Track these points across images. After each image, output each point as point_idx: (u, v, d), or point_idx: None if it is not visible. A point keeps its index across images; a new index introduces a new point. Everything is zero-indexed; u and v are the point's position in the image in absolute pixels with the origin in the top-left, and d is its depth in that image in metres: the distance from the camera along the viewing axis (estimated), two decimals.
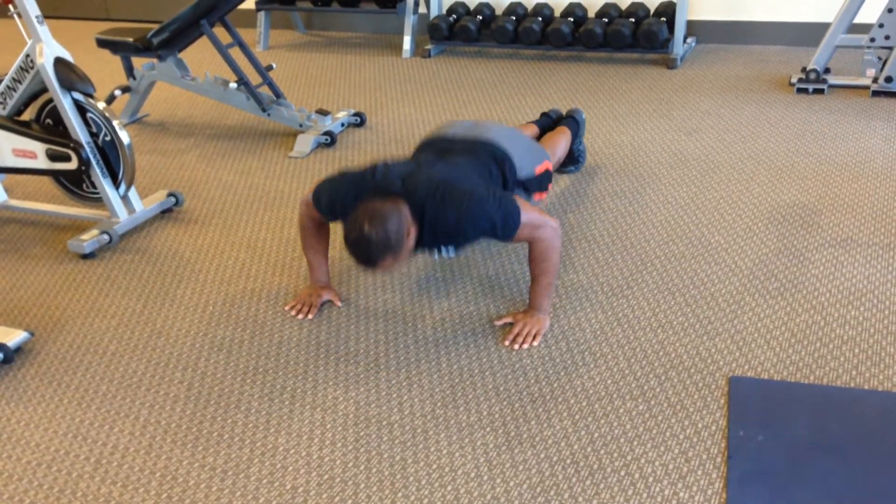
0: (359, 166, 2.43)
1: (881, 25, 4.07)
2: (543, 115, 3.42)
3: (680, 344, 2.32)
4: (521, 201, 2.34)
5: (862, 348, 2.25)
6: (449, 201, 2.25)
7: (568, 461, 1.91)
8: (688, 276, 2.66)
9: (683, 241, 2.87)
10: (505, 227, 2.28)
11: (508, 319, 2.44)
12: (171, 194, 3.29)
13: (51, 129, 3.02)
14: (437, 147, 2.65)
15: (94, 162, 2.95)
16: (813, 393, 2.09)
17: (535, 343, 2.34)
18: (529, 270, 2.41)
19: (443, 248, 2.44)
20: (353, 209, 2.21)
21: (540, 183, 2.83)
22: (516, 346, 2.34)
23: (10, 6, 2.89)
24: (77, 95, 2.92)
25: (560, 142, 3.22)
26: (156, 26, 3.94)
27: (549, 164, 2.90)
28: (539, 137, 3.30)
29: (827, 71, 4.34)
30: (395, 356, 2.34)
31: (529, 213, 2.32)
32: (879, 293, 2.50)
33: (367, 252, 2.15)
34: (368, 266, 2.20)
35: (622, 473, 1.87)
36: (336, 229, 2.77)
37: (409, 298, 2.62)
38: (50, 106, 3.02)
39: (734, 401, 2.07)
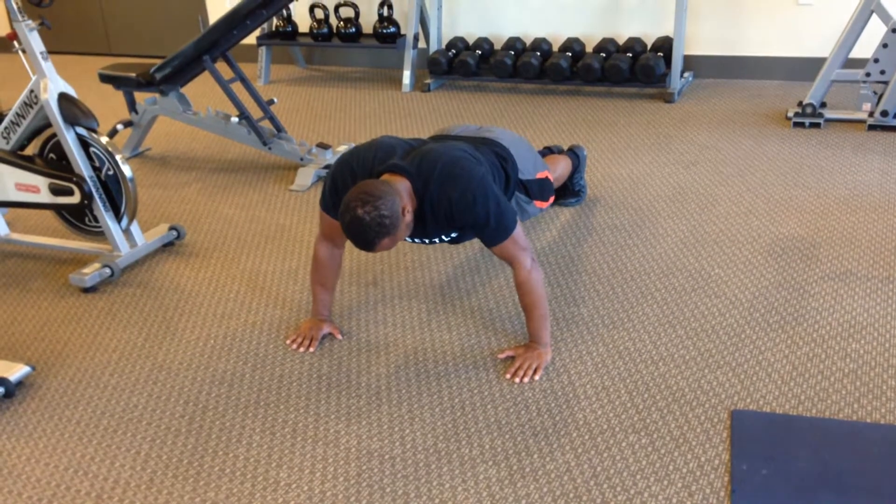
0: (362, 143, 2.45)
1: (876, 60, 4.12)
2: (546, 148, 3.46)
3: (682, 377, 2.32)
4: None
5: (863, 381, 2.26)
6: (457, 179, 2.24)
7: (571, 495, 1.91)
8: (688, 308, 2.66)
9: (683, 273, 2.88)
10: (498, 226, 2.28)
11: (510, 353, 2.44)
12: (172, 228, 3.30)
13: (54, 163, 3.04)
14: (443, 141, 2.68)
15: (96, 196, 2.96)
16: (815, 426, 2.09)
17: (537, 377, 2.34)
18: (521, 304, 2.42)
19: (437, 237, 2.43)
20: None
21: (541, 189, 2.85)
22: (517, 380, 2.33)
23: (15, 42, 2.93)
24: (80, 130, 2.94)
25: (560, 161, 3.25)
26: (158, 62, 3.99)
27: (549, 175, 2.93)
28: None
29: (823, 105, 4.38)
30: (397, 389, 2.34)
31: (521, 231, 2.34)
32: (879, 326, 2.51)
33: (363, 234, 2.12)
34: (365, 248, 2.17)
35: None
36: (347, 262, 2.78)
37: (411, 332, 2.62)
38: (53, 140, 3.04)
39: (737, 434, 2.07)
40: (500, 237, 2.30)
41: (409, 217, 2.21)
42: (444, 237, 2.44)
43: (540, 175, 2.87)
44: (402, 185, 2.23)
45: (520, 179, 2.75)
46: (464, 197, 2.24)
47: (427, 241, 2.48)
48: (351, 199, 2.12)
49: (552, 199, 3.00)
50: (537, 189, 2.84)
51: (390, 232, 2.14)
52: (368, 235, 2.12)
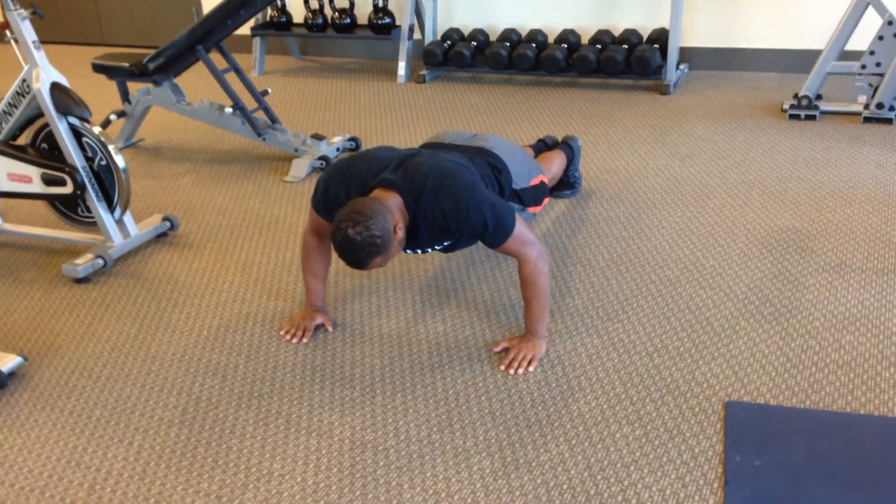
0: (359, 152, 2.44)
1: (872, 52, 4.11)
2: (540, 140, 3.45)
3: (676, 368, 2.32)
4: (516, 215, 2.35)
5: (857, 373, 2.26)
6: (448, 190, 2.24)
7: (564, 486, 1.91)
8: (683, 300, 2.66)
9: (678, 265, 2.88)
10: (497, 230, 2.28)
11: (505, 345, 2.44)
12: (165, 218, 3.28)
13: (46, 153, 3.02)
14: (435, 150, 2.66)
15: (89, 186, 2.95)
16: (809, 418, 2.09)
17: (531, 368, 2.34)
18: (522, 295, 2.41)
19: (430, 247, 2.43)
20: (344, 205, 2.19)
21: (535, 195, 2.84)
22: (512, 371, 2.33)
23: (7, 31, 2.91)
24: (73, 120, 2.93)
25: (555, 159, 3.25)
26: (152, 51, 3.96)
27: (544, 178, 2.93)
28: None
29: (819, 97, 4.38)
30: (391, 381, 2.33)
31: (522, 226, 2.33)
32: (874, 318, 2.51)
33: (354, 254, 2.13)
34: (357, 268, 2.18)
35: (619, 499, 1.86)
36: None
37: (405, 323, 2.62)
38: (46, 130, 3.02)
39: (731, 426, 2.07)
40: (500, 239, 2.30)
41: (400, 234, 2.21)
42: (436, 247, 2.44)
43: (534, 181, 2.85)
44: (394, 202, 2.23)
45: (514, 189, 2.74)
46: (457, 208, 2.24)
47: (420, 251, 2.48)
48: (342, 220, 2.12)
49: (546, 200, 2.99)
50: (531, 196, 2.84)
51: (382, 251, 2.14)
52: (360, 255, 2.13)
